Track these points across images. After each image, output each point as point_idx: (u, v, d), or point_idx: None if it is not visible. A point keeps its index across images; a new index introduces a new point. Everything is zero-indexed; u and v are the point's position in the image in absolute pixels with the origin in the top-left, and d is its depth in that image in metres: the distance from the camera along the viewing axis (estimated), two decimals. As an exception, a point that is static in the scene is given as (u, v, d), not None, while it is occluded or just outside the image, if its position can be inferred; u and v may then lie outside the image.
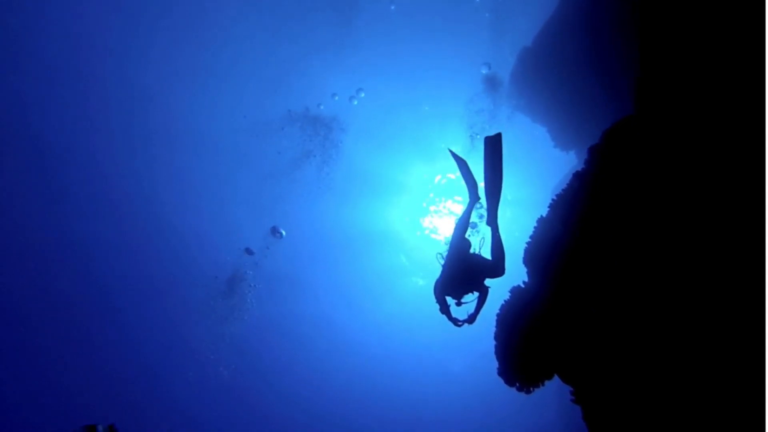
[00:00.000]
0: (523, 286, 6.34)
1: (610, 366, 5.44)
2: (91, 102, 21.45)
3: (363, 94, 20.18)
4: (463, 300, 4.91)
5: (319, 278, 27.36)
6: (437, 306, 5.09)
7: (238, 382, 27.20)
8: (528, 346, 6.32)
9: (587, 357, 5.72)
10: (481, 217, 9.39)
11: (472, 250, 5.08)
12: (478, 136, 17.31)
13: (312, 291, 27.90)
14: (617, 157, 4.39)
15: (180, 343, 25.99)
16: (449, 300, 5.04)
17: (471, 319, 4.96)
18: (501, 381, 6.70)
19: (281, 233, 19.32)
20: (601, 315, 5.41)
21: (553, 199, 5.61)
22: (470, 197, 5.13)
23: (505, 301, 6.35)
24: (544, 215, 6.40)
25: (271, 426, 31.12)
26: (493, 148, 4.66)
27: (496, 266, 4.81)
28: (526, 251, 5.97)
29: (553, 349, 6.10)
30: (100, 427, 4.15)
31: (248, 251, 18.96)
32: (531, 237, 6.11)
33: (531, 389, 6.57)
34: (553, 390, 8.45)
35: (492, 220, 4.87)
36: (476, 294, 4.95)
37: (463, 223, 5.00)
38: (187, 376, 26.19)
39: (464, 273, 4.81)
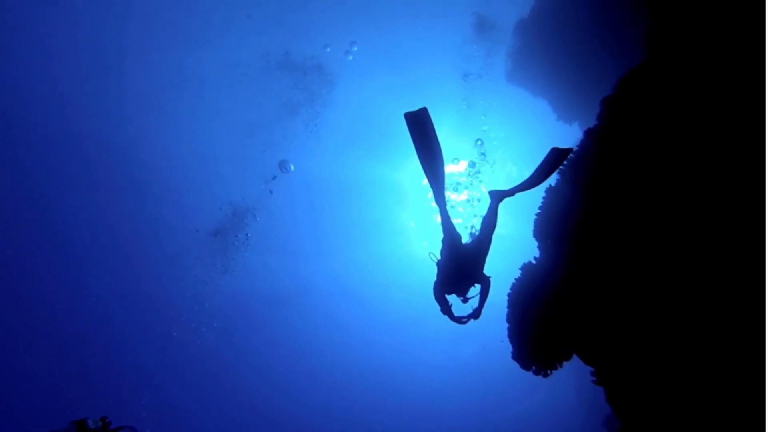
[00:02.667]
0: (534, 262, 5.84)
1: (634, 343, 4.97)
2: (77, 50, 20.72)
3: (356, 48, 19.35)
4: (468, 295, 4.63)
5: (316, 237, 26.31)
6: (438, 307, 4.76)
7: (222, 350, 26.11)
8: (544, 326, 5.85)
9: (609, 334, 5.25)
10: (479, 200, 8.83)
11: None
12: (471, 76, 16.50)
13: (308, 253, 26.81)
14: (633, 109, 3.86)
15: (162, 303, 24.48)
16: (451, 298, 4.76)
17: (476, 313, 4.64)
18: (514, 363, 6.25)
19: (290, 167, 18.37)
20: (622, 286, 4.92)
21: (563, 164, 5.07)
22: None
23: (515, 279, 5.86)
24: (553, 185, 5.89)
25: (257, 397, 30.21)
26: (420, 124, 4.08)
27: (479, 244, 4.48)
28: (536, 224, 5.46)
29: (571, 327, 5.63)
30: (90, 421, 3.81)
31: (282, 167, 17.91)
32: (540, 208, 5.61)
33: (549, 372, 6.12)
34: (571, 368, 8.03)
35: (439, 200, 4.40)
36: (478, 287, 4.64)
37: (445, 213, 4.54)
38: (168, 340, 24.51)
39: (462, 266, 4.51)
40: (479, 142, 15.45)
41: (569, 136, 15.49)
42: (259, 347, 29.33)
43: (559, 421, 23.11)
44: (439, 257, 4.68)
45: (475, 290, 4.64)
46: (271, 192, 18.19)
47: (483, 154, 14.77)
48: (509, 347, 6.28)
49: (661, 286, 4.42)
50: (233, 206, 18.61)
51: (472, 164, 13.02)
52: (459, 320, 4.66)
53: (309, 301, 28.39)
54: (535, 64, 14.48)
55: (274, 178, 18.20)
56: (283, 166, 18.27)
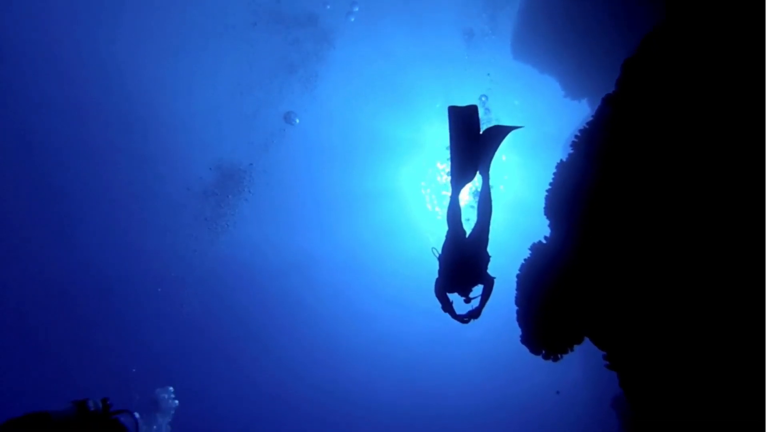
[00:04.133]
0: (545, 241, 5.54)
1: (650, 326, 4.69)
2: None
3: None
4: (471, 295, 4.50)
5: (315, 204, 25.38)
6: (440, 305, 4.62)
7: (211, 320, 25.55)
8: (554, 308, 5.59)
9: (624, 317, 4.97)
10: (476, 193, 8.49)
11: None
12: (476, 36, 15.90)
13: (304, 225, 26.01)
14: (659, 71, 3.50)
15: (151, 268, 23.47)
16: (453, 296, 4.63)
17: (475, 313, 4.51)
18: (518, 343, 6.00)
19: (295, 120, 17.75)
20: (639, 266, 4.62)
21: (576, 136, 4.73)
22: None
23: (525, 260, 5.57)
24: (564, 159, 5.55)
25: (247, 365, 29.66)
26: (466, 123, 3.90)
27: (480, 233, 4.31)
28: (547, 200, 5.14)
29: (584, 309, 5.35)
30: (90, 402, 3.73)
31: (287, 119, 17.36)
32: (550, 184, 5.28)
33: (560, 357, 5.87)
34: (577, 348, 7.82)
35: (454, 195, 4.32)
36: (481, 286, 4.52)
37: (454, 209, 4.39)
38: (153, 308, 24.08)
39: (465, 264, 4.35)
40: (484, 98, 15.01)
41: (577, 113, 15.07)
42: (251, 313, 28.53)
43: (565, 401, 23.00)
44: (440, 252, 4.51)
45: (478, 290, 4.50)
46: (251, 164, 17.64)
47: (487, 109, 14.42)
48: (515, 328, 6.03)
49: (681, 265, 4.11)
50: (226, 166, 17.99)
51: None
52: (461, 319, 4.50)
53: (306, 268, 27.45)
54: (541, 39, 14.00)
55: (286, 120, 17.39)
56: (288, 118, 17.59)
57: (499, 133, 4.15)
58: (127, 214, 23.44)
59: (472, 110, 3.95)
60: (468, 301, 4.49)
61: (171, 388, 11.22)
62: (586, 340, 5.87)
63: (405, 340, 30.88)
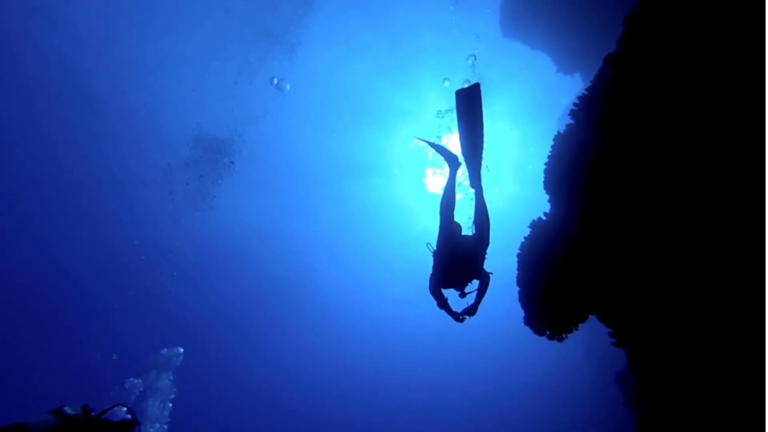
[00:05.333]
0: (544, 218, 5.30)
1: (657, 302, 4.48)
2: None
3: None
4: (466, 290, 4.35)
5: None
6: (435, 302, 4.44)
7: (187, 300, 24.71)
8: (557, 287, 5.37)
9: (630, 293, 4.76)
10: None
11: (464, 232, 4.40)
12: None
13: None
14: (664, 25, 3.21)
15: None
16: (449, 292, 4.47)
17: (471, 310, 4.33)
18: (519, 321, 5.82)
19: (285, 86, 17.11)
20: (643, 240, 4.39)
21: (575, 104, 4.46)
22: (450, 166, 4.41)
23: (525, 238, 5.33)
24: (561, 131, 5.29)
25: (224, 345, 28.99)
26: (470, 102, 3.99)
27: (480, 237, 4.17)
28: (546, 174, 4.89)
29: (587, 287, 5.14)
30: (67, 408, 3.55)
31: (278, 86, 16.65)
32: (549, 157, 5.02)
33: (564, 336, 5.68)
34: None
35: (475, 183, 4.19)
36: (477, 282, 4.35)
37: (448, 201, 4.28)
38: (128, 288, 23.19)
39: (459, 261, 4.21)
40: (472, 59, 14.62)
41: (571, 87, 14.78)
42: (233, 295, 27.64)
43: (568, 378, 23.07)
44: (435, 248, 4.37)
45: (473, 285, 4.32)
46: (240, 136, 16.97)
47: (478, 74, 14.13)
48: (516, 308, 5.83)
49: (686, 237, 3.89)
50: (207, 139, 17.16)
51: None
52: (457, 317, 4.33)
53: (292, 249, 26.35)
54: (531, 15, 13.63)
55: (277, 87, 16.59)
56: (279, 85, 16.98)
57: (467, 100, 4.06)
58: (100, 195, 22.36)
59: (474, 89, 3.98)
60: (463, 295, 4.34)
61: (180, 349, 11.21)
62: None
63: (399, 324, 30.65)
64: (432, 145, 4.60)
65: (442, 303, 4.30)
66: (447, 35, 17.07)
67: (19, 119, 19.83)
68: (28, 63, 18.79)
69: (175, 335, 25.37)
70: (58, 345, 24.95)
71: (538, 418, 24.63)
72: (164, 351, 11.39)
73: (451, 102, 4.01)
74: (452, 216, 4.29)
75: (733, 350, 3.76)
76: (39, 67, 18.82)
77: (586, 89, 4.27)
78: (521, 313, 5.69)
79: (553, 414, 22.85)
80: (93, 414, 3.74)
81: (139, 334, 24.50)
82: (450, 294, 4.35)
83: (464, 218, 4.61)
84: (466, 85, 4.08)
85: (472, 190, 4.31)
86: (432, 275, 4.32)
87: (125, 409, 4.01)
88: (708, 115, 3.21)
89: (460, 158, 4.38)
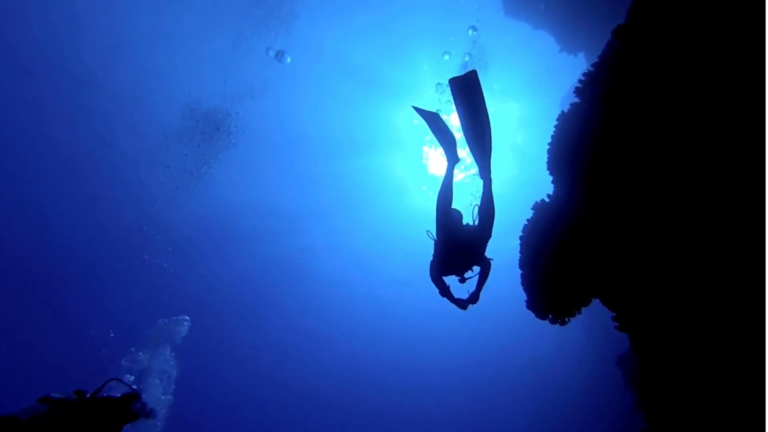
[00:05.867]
0: (547, 200, 5.17)
1: (662, 285, 4.38)
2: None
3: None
4: (466, 276, 4.32)
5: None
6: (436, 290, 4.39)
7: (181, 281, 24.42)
8: (560, 270, 5.28)
9: (635, 275, 4.66)
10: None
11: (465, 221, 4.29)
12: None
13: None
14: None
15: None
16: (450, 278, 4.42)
17: (473, 298, 4.28)
18: (519, 304, 5.73)
19: (286, 59, 16.71)
20: (650, 221, 4.27)
21: (580, 81, 4.29)
22: (448, 159, 4.22)
23: (527, 220, 5.21)
24: (565, 110, 5.12)
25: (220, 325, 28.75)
26: (468, 90, 3.76)
27: (483, 228, 4.08)
28: (550, 153, 4.74)
29: (591, 269, 5.04)
30: (54, 394, 3.54)
31: (278, 58, 16.32)
32: (552, 137, 4.87)
33: (567, 320, 5.60)
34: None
35: (485, 174, 4.04)
36: (478, 268, 4.31)
37: (446, 193, 4.17)
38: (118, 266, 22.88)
39: (459, 249, 4.17)
40: (472, 31, 14.32)
41: (575, 66, 14.48)
42: (225, 271, 27.28)
43: (568, 360, 23.15)
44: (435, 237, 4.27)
45: (473, 271, 4.26)
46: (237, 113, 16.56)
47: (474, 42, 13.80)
48: (518, 291, 5.75)
49: (694, 218, 3.76)
50: (202, 111, 16.65)
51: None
52: (460, 304, 4.26)
53: (287, 221, 25.84)
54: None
55: (276, 55, 16.13)
56: (279, 56, 16.57)
57: (466, 85, 3.81)
58: (92, 174, 22.03)
59: (471, 75, 3.73)
60: (463, 281, 4.27)
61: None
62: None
63: (400, 305, 30.58)
64: (429, 123, 4.25)
65: (444, 291, 4.24)
66: (447, 8, 16.68)
67: (8, 97, 19.49)
68: (15, 40, 18.39)
69: (175, 312, 25.35)
70: (52, 324, 24.90)
71: (538, 401, 24.84)
72: (164, 321, 11.16)
73: (451, 75, 3.80)
74: (448, 205, 4.18)
75: (740, 336, 3.67)
76: (29, 45, 18.44)
77: (592, 65, 4.10)
78: (522, 295, 5.60)
79: (553, 396, 23.04)
80: (88, 395, 3.70)
81: (137, 310, 24.25)
82: (450, 279, 4.27)
83: (466, 202, 4.49)
84: (463, 72, 3.83)
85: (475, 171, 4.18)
86: (432, 263, 4.25)
87: (116, 382, 4.00)
88: (725, 94, 3.06)
89: (460, 154, 4.26)
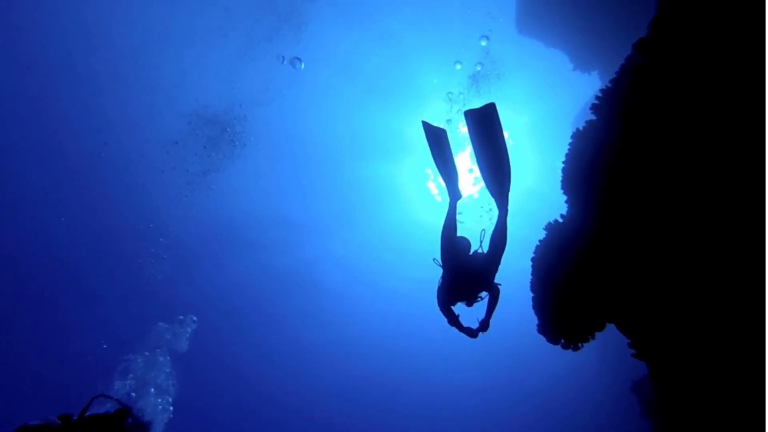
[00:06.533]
0: (561, 220, 4.98)
1: (681, 311, 4.15)
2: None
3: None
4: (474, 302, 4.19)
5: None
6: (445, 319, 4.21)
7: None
8: (573, 293, 5.06)
9: (652, 300, 4.43)
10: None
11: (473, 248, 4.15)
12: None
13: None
14: (705, 6, 2.90)
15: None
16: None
17: (483, 325, 4.09)
18: (531, 327, 5.50)
19: (300, 65, 16.74)
20: (666, 245, 4.06)
21: (597, 98, 4.14)
22: (450, 196, 4.05)
23: (540, 241, 5.02)
24: (580, 128, 4.97)
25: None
26: (486, 123, 3.60)
27: (493, 257, 3.94)
28: (564, 173, 4.58)
29: (605, 293, 4.82)
30: (33, 422, 3.35)
31: (292, 63, 16.42)
32: (567, 155, 4.71)
33: (580, 346, 5.36)
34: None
35: (501, 205, 3.90)
36: (486, 294, 4.15)
37: (449, 232, 4.04)
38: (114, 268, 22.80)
39: (467, 278, 4.03)
40: (485, 40, 14.28)
41: (588, 86, 14.35)
42: (228, 279, 26.93)
43: (581, 384, 22.49)
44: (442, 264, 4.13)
45: (482, 298, 4.10)
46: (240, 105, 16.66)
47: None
48: (529, 314, 5.53)
49: (714, 245, 3.55)
50: (209, 116, 16.75)
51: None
52: (470, 333, 4.07)
53: (292, 229, 25.54)
54: (547, 12, 13.23)
55: (289, 61, 16.24)
56: (293, 63, 16.61)
57: (483, 119, 3.67)
58: (97, 178, 22.00)
59: (489, 109, 3.58)
60: (470, 305, 4.12)
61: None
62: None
63: (408, 324, 29.99)
64: (433, 147, 4.04)
65: (453, 320, 4.06)
66: (459, 17, 16.75)
67: (13, 97, 19.74)
68: (24, 43, 18.77)
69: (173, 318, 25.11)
70: (52, 326, 24.75)
71: (550, 426, 24.11)
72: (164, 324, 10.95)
73: (461, 85, 3.66)
74: (452, 240, 4.05)
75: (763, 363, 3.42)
76: (36, 44, 18.75)
77: (610, 81, 3.96)
78: (533, 319, 5.39)
79: (565, 422, 22.35)
80: (75, 418, 3.56)
81: (137, 317, 23.55)
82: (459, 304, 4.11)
83: (476, 215, 4.32)
84: (477, 106, 3.69)
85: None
86: (439, 291, 4.10)
87: (104, 398, 3.87)
88: (750, 113, 2.89)
89: (460, 191, 4.13)
